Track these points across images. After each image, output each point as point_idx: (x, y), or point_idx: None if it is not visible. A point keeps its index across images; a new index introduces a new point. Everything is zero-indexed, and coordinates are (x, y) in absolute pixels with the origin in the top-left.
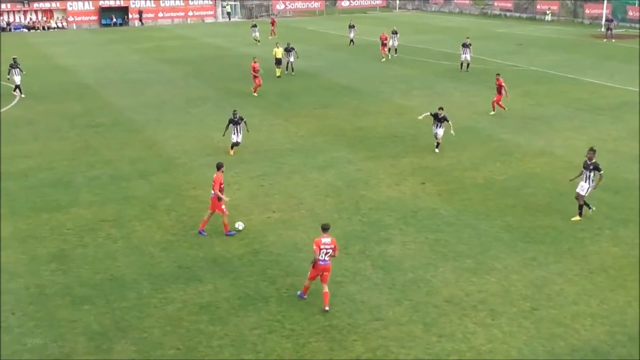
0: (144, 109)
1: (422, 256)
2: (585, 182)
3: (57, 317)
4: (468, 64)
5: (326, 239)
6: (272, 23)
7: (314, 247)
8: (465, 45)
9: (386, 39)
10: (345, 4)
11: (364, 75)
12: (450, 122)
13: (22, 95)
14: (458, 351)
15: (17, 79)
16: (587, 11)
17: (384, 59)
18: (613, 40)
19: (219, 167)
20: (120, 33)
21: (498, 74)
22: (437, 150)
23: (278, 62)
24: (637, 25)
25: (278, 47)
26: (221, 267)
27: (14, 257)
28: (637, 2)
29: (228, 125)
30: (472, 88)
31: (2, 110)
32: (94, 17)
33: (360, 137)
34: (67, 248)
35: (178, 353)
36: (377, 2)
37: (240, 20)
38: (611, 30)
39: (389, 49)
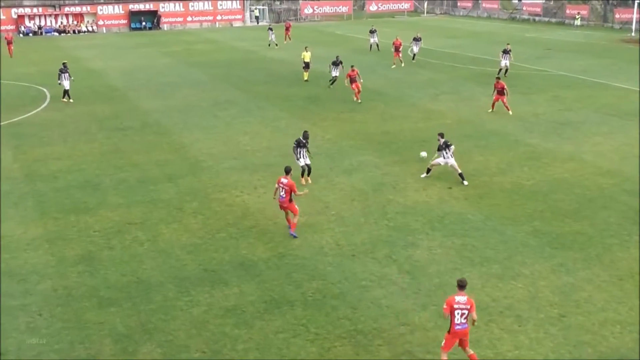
0: (171, 112)
1: (449, 261)
2: None
3: (84, 318)
4: (507, 70)
5: (461, 298)
6: (287, 28)
7: (445, 307)
8: (505, 52)
9: (400, 45)
10: (373, 8)
11: (391, 79)
12: (452, 146)
13: (71, 100)
14: (484, 357)
15: (67, 84)
16: (617, 16)
17: (394, 66)
18: None
19: (288, 171)
20: (149, 37)
21: (498, 77)
22: (465, 182)
23: (306, 65)
24: None
25: (307, 51)
26: (247, 270)
27: (44, 258)
28: None
29: (295, 149)
30: None
31: (32, 112)
32: (124, 21)
33: (387, 141)
34: (94, 250)
35: (203, 356)
36: (405, 6)
37: (268, 24)
38: None
39: (413, 55)
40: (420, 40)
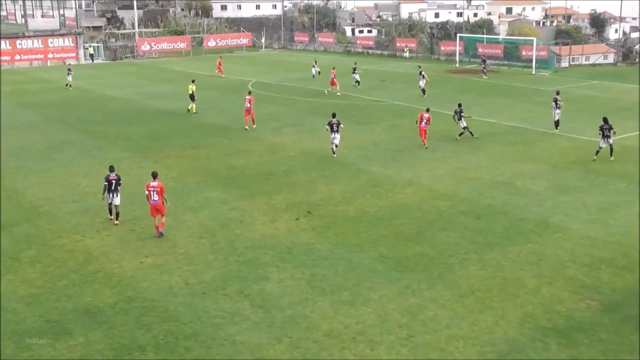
0: (1, 157)
1: (300, 292)
2: None
3: None
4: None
5: None
6: (220, 64)
7: None
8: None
9: (335, 77)
10: (211, 44)
11: (235, 114)
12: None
13: None
14: None
15: None
16: (442, 48)
17: (326, 92)
18: (485, 77)
19: (155, 175)
20: None
21: (428, 109)
22: (334, 155)
23: (192, 97)
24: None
25: (193, 84)
26: (93, 317)
27: None
28: (484, 40)
29: (105, 189)
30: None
31: None
32: None
33: (233, 176)
34: None
35: None
36: (244, 41)
37: (104, 62)
38: (486, 68)
39: (356, 82)
40: (356, 68)
